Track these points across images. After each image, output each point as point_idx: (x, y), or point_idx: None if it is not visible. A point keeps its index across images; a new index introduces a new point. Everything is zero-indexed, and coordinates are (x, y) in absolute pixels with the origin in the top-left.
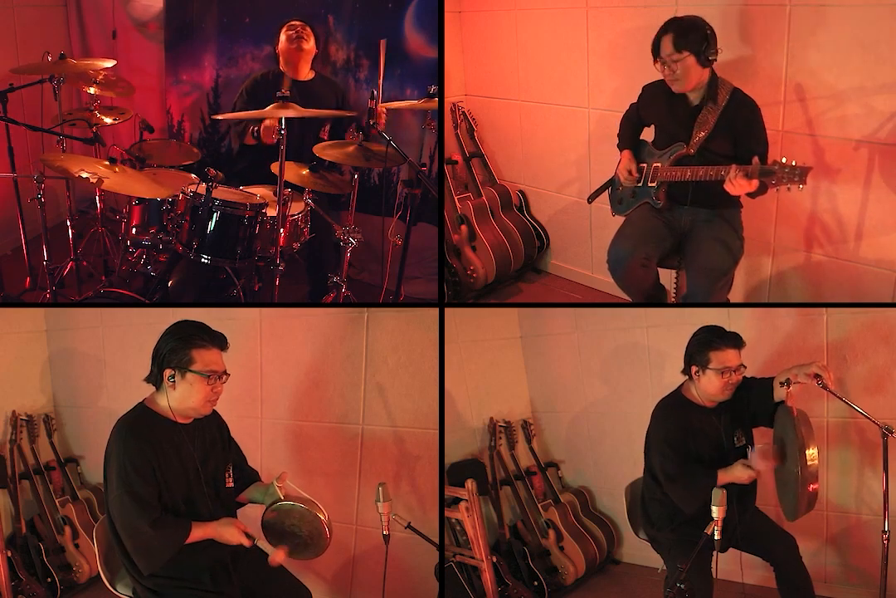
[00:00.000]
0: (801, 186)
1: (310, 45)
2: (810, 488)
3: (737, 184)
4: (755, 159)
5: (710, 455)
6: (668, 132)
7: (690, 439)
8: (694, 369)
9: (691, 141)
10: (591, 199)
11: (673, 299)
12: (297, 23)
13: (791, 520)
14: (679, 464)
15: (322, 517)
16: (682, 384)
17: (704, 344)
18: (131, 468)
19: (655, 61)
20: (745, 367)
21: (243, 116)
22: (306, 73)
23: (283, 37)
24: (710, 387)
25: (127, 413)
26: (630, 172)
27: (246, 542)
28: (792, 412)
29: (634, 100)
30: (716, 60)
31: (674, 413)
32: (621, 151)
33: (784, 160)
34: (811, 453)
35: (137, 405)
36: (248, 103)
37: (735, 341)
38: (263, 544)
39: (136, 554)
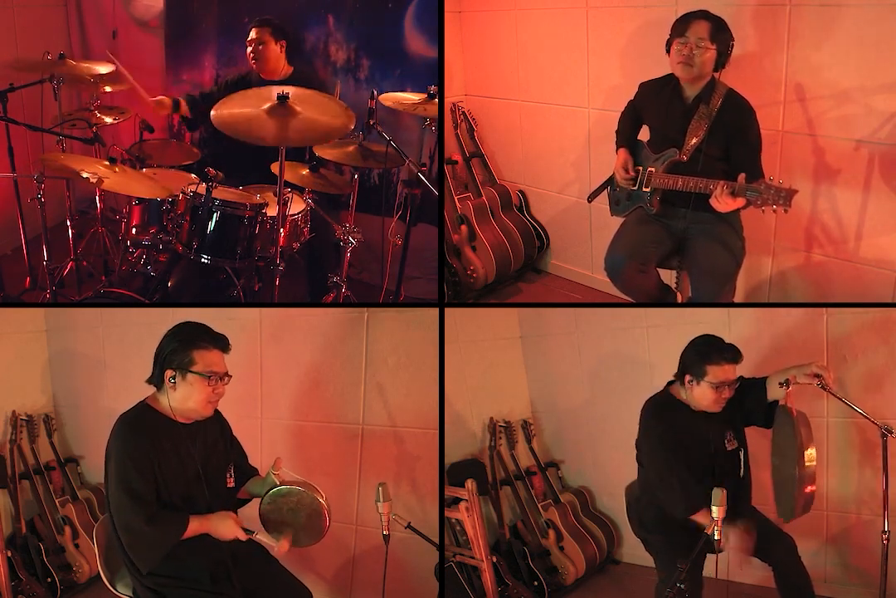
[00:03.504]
0: (785, 209)
1: (270, 53)
2: (807, 490)
3: (722, 201)
4: (741, 177)
5: (700, 458)
6: (662, 133)
7: (681, 441)
8: (688, 377)
9: (684, 147)
10: (590, 198)
11: (678, 299)
12: (255, 36)
13: (787, 521)
14: (671, 467)
15: (320, 498)
16: (672, 383)
17: (702, 356)
18: (130, 465)
19: (674, 41)
20: (739, 381)
21: (239, 118)
22: (282, 72)
23: (246, 47)
24: (702, 399)
25: (128, 411)
26: (626, 170)
27: (242, 536)
28: (791, 413)
29: (626, 106)
30: (721, 70)
31: (664, 415)
32: (617, 149)
33: (771, 180)
34: (809, 454)
35: (139, 404)
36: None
37: (734, 355)
38: (263, 536)
39: (133, 551)
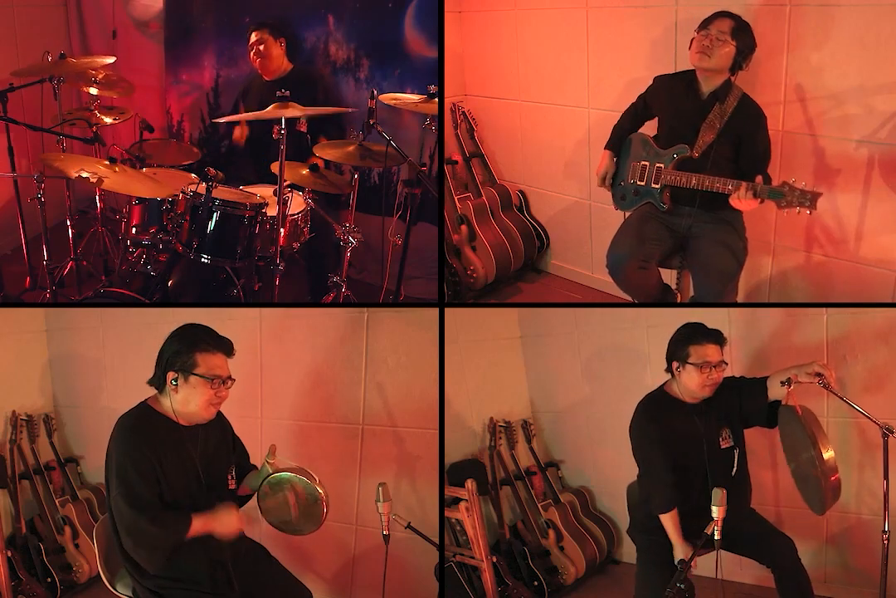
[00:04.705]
0: (810, 211)
1: (272, 52)
2: (833, 479)
3: (745, 203)
4: (759, 179)
5: (688, 455)
6: (671, 127)
7: (669, 437)
8: (675, 364)
9: (695, 145)
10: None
11: (678, 299)
12: (255, 38)
13: (820, 513)
14: (652, 463)
15: (316, 485)
16: (666, 382)
17: (684, 339)
18: (131, 467)
19: (698, 33)
20: (727, 364)
21: (245, 117)
22: (281, 70)
23: (248, 50)
24: (689, 383)
25: (128, 412)
26: (604, 180)
27: (247, 529)
28: (797, 411)
29: (634, 100)
30: (739, 71)
31: (653, 410)
32: (606, 147)
33: (793, 181)
34: (825, 446)
35: (139, 404)
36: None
37: (716, 337)
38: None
39: (138, 553)
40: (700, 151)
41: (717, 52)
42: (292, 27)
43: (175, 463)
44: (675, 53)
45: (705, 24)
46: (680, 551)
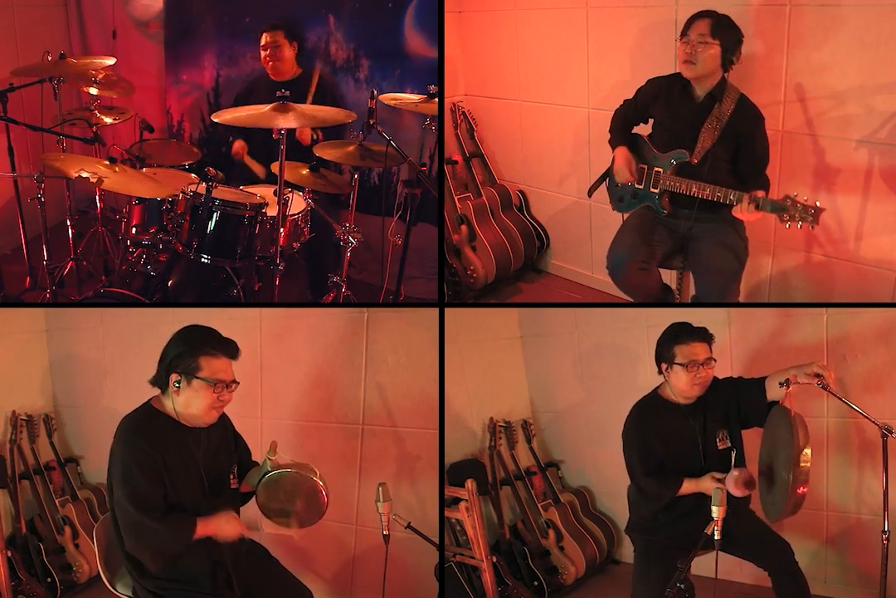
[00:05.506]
0: (812, 226)
1: (286, 54)
2: (799, 491)
3: (747, 214)
4: (760, 193)
5: (686, 457)
6: (668, 128)
7: (662, 440)
8: (663, 366)
9: (695, 150)
10: (590, 192)
11: (677, 300)
12: (269, 39)
13: (773, 521)
14: (642, 465)
15: (314, 477)
16: (661, 384)
17: (670, 339)
18: (135, 467)
19: (681, 40)
20: (715, 361)
21: (244, 117)
22: (291, 73)
23: (261, 51)
24: (678, 383)
25: (132, 412)
26: (630, 173)
27: (247, 533)
28: (789, 413)
29: (622, 104)
30: (732, 66)
31: (645, 413)
32: (614, 147)
33: (795, 195)
34: (805, 455)
35: (143, 405)
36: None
37: (702, 335)
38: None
39: (141, 553)
40: (699, 156)
41: (702, 56)
42: (297, 28)
43: (178, 463)
44: (675, 54)
45: (684, 30)
46: (708, 486)
